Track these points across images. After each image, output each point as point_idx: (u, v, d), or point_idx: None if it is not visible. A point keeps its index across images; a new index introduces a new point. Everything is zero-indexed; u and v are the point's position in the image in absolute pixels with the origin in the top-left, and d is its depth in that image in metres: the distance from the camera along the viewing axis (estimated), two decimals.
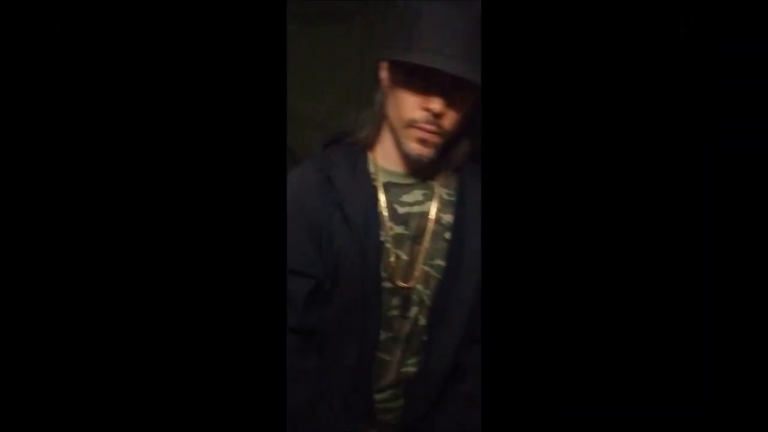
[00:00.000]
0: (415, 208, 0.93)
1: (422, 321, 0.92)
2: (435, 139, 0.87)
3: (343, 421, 0.92)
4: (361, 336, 0.90)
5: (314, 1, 1.23)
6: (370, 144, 0.94)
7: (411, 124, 0.86)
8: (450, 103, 0.85)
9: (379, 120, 0.92)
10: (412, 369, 0.93)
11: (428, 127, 0.85)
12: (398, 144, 0.90)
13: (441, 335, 0.92)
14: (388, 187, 0.93)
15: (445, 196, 0.94)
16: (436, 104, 0.83)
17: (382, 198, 0.92)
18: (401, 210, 0.92)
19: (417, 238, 0.92)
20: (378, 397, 0.93)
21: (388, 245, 0.90)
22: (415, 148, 0.87)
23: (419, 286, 0.91)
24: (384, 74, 0.90)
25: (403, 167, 0.93)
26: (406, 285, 0.91)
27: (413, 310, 0.92)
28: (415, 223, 0.92)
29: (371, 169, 0.94)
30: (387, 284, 0.91)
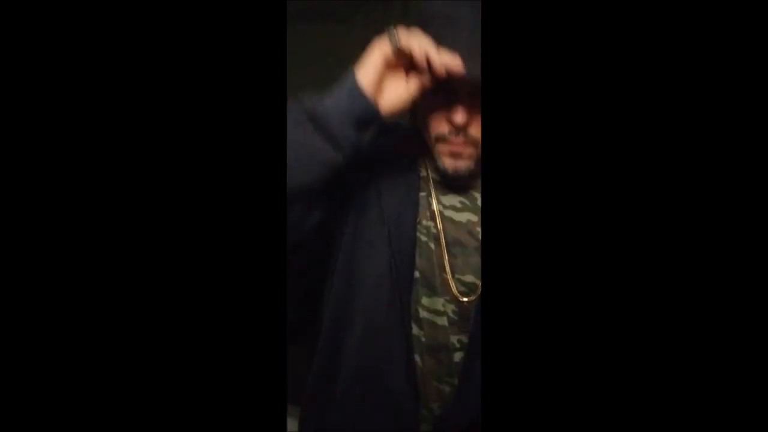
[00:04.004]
0: (448, 212, 0.88)
1: (454, 342, 0.87)
2: (468, 150, 0.82)
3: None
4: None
5: (314, 1, 1.23)
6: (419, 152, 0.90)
7: (439, 140, 0.82)
8: (475, 109, 0.79)
9: (417, 138, 0.88)
10: (446, 389, 0.87)
11: (457, 140, 0.81)
12: (435, 163, 0.85)
13: (475, 367, 0.84)
14: (429, 180, 0.89)
15: None
16: (459, 116, 0.78)
17: (422, 189, 0.88)
18: (434, 206, 0.88)
19: (448, 246, 0.87)
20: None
21: (417, 234, 0.87)
22: (448, 164, 0.83)
23: (450, 304, 0.87)
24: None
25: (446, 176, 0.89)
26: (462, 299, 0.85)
27: (443, 319, 0.87)
28: (442, 227, 0.87)
29: (420, 165, 0.90)
30: (417, 274, 0.86)
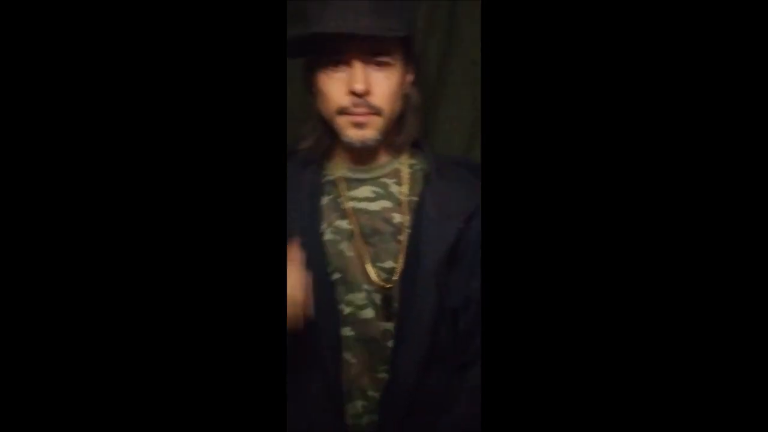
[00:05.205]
0: (362, 204, 0.90)
1: (382, 326, 0.89)
2: (371, 120, 0.85)
3: None
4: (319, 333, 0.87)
5: (314, 1, 1.23)
6: (324, 152, 0.92)
7: (341, 113, 0.85)
8: (374, 77, 0.83)
9: (321, 124, 0.90)
10: (382, 376, 0.89)
11: (359, 110, 0.84)
12: (339, 139, 0.87)
13: (403, 350, 0.88)
14: (338, 182, 0.91)
15: (401, 196, 0.90)
16: (358, 83, 0.82)
17: (327, 192, 0.90)
18: (346, 204, 0.90)
19: (366, 236, 0.89)
20: (348, 409, 0.88)
21: (329, 237, 0.89)
22: (353, 134, 0.85)
23: (376, 293, 0.88)
24: (308, 75, 0.88)
25: (356, 162, 0.91)
26: (386, 285, 0.88)
27: (367, 311, 0.89)
28: (360, 220, 0.90)
29: (326, 169, 0.92)
30: (337, 275, 0.88)
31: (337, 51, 0.83)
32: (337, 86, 0.84)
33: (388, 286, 0.88)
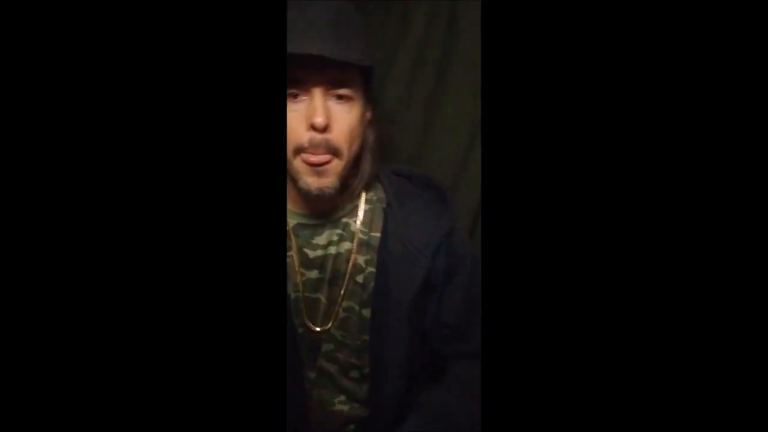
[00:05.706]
0: (330, 250, 0.88)
1: (354, 362, 0.90)
2: (330, 165, 0.80)
3: None
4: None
5: (314, 1, 1.23)
6: None
7: (298, 152, 0.79)
8: (335, 111, 0.78)
9: None
10: (356, 412, 0.92)
11: (317, 150, 0.78)
12: (295, 184, 0.82)
13: (381, 385, 0.89)
14: (297, 230, 0.87)
15: (362, 236, 0.88)
16: (319, 116, 0.76)
17: (291, 243, 0.86)
18: (312, 254, 0.87)
19: (334, 280, 0.88)
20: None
21: (299, 293, 0.87)
22: (311, 182, 0.80)
23: (338, 331, 0.89)
24: None
25: (310, 207, 0.87)
26: (318, 329, 0.89)
27: (341, 355, 0.90)
28: (330, 266, 0.87)
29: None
30: (301, 330, 0.89)
31: (297, 80, 0.77)
32: (295, 121, 0.78)
33: (317, 330, 0.89)
